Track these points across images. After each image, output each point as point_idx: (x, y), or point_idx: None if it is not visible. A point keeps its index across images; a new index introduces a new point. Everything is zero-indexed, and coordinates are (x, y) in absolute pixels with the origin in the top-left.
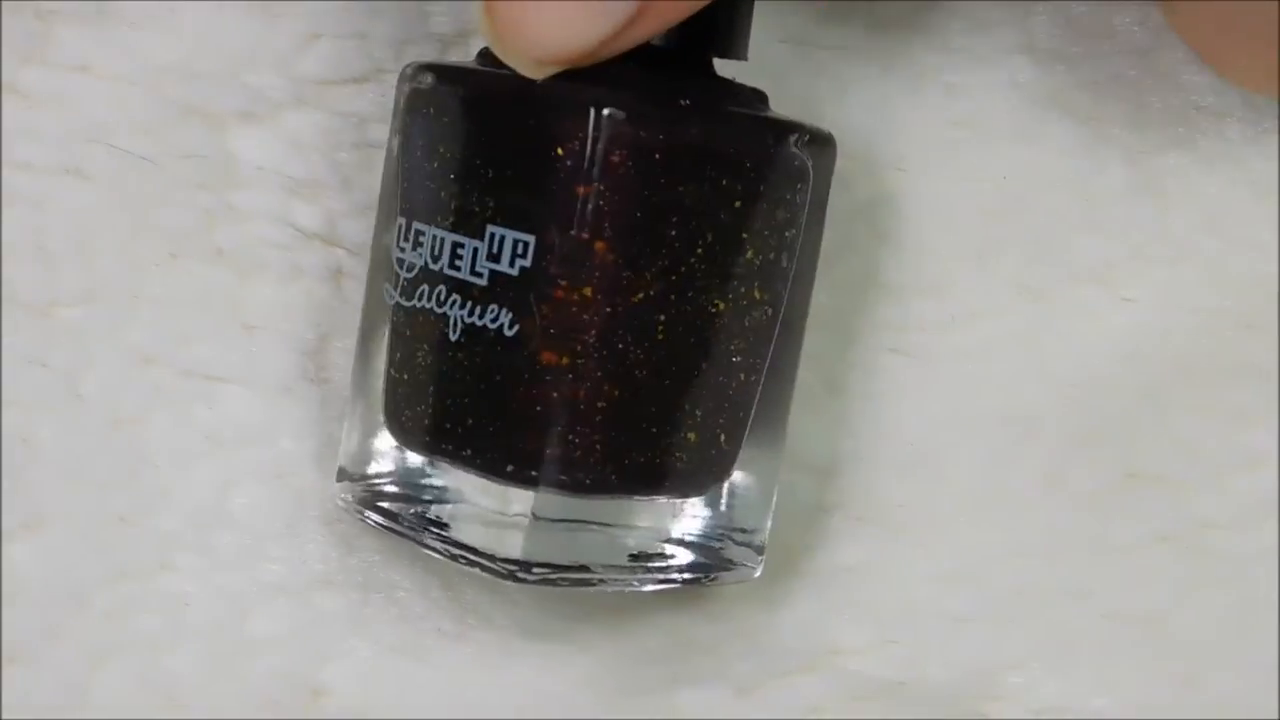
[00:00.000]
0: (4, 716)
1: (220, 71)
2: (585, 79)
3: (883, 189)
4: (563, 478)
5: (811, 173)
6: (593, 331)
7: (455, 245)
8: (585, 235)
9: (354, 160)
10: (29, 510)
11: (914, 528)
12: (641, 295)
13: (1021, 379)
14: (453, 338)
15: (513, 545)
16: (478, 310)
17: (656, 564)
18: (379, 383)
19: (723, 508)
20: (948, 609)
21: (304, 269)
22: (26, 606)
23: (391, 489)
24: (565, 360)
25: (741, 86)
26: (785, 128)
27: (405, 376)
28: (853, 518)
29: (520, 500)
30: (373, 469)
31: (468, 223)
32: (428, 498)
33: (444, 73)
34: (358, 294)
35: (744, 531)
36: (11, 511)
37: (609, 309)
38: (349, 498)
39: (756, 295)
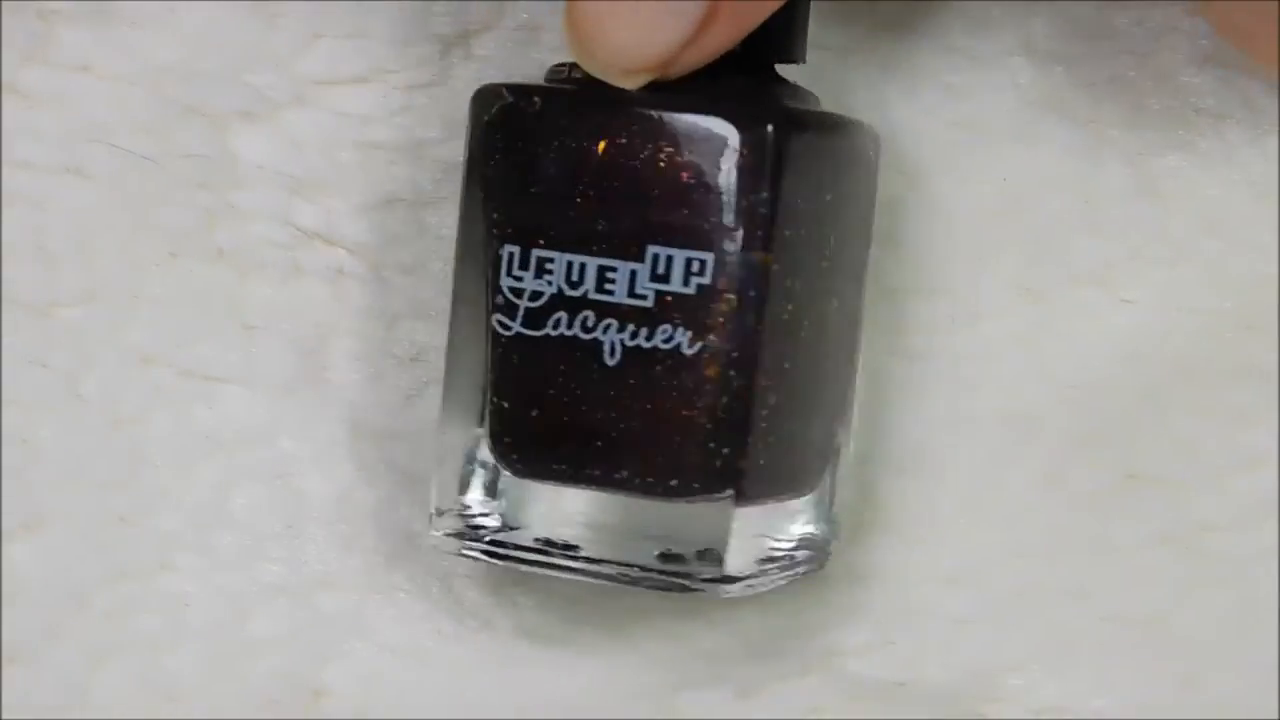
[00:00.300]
0: (4, 716)
1: (221, 71)
2: (686, 89)
3: (882, 191)
4: (754, 489)
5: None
6: (767, 343)
7: (604, 269)
8: (759, 248)
9: (355, 160)
10: (29, 510)
11: (914, 529)
12: (793, 305)
13: (1021, 380)
14: (610, 362)
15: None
16: (644, 332)
17: (784, 561)
18: (481, 420)
19: (826, 499)
20: (947, 610)
21: (304, 268)
22: (26, 606)
23: (509, 524)
24: (748, 375)
25: (802, 88)
26: (862, 126)
27: (534, 411)
28: (853, 519)
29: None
30: (483, 505)
31: (619, 245)
32: (560, 526)
33: (551, 95)
34: (358, 294)
35: (836, 521)
36: (11, 511)
37: (779, 319)
38: (458, 539)
39: (852, 290)
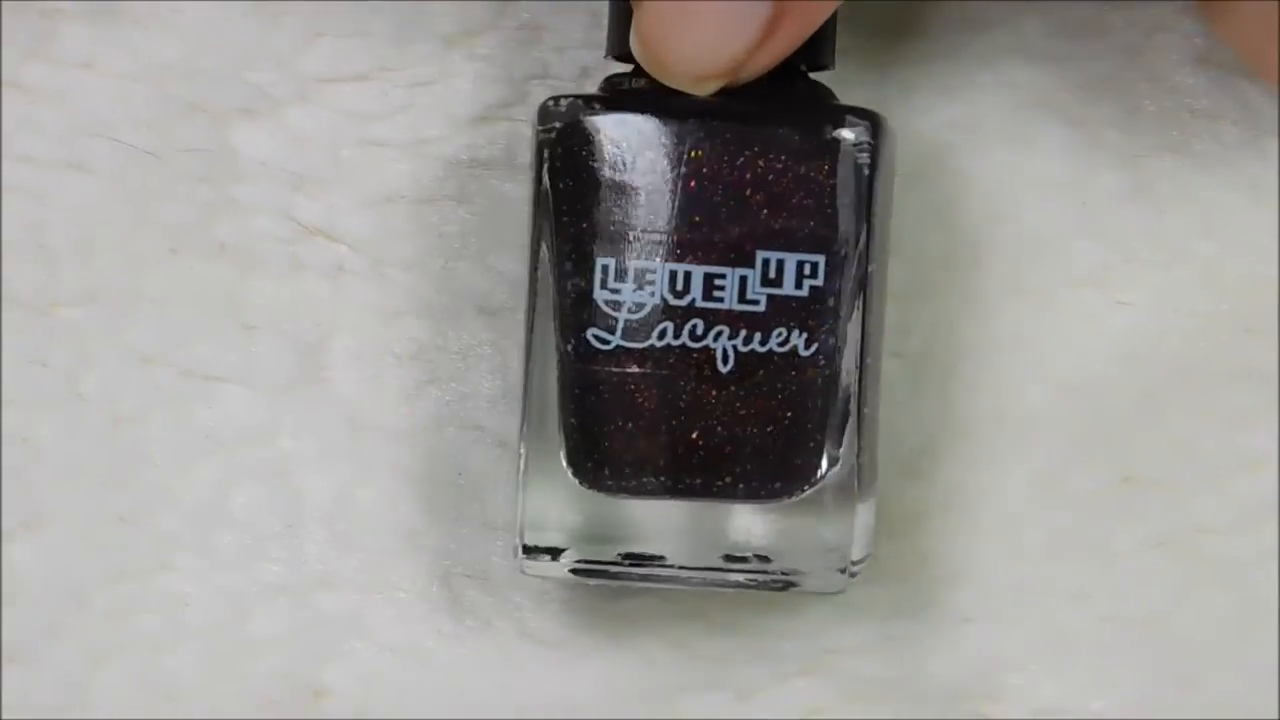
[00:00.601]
0: (4, 716)
1: (223, 69)
2: (748, 97)
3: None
4: (866, 486)
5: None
6: (864, 340)
7: (710, 276)
8: (864, 247)
9: (357, 157)
10: (29, 510)
11: (912, 529)
12: (879, 302)
13: (1019, 382)
14: (723, 369)
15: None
16: (758, 336)
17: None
18: (564, 440)
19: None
20: (947, 610)
21: (305, 264)
22: (26, 606)
23: (592, 542)
24: (857, 372)
25: (827, 88)
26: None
27: (628, 425)
28: None
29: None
30: (564, 526)
31: (725, 252)
32: (644, 539)
33: (631, 105)
34: (359, 290)
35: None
36: (11, 511)
37: (878, 317)
38: (541, 561)
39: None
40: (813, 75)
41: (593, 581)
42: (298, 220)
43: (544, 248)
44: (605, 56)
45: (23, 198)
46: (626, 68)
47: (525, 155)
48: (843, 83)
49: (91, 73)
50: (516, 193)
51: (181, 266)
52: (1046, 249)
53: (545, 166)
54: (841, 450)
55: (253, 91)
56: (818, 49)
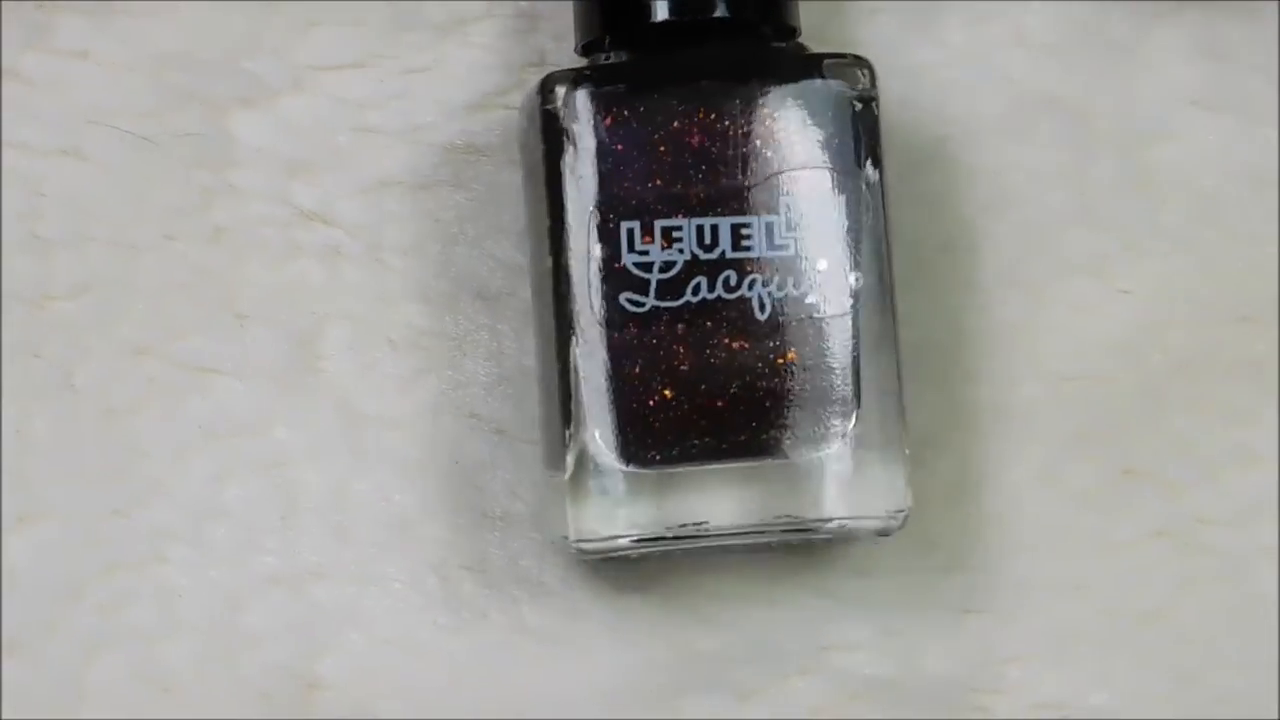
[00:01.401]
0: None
1: (219, 58)
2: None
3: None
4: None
5: None
6: (890, 277)
7: (737, 226)
8: (875, 181)
9: (352, 144)
10: (23, 502)
11: (911, 523)
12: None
13: (1018, 373)
14: (761, 317)
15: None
16: (790, 280)
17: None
18: (595, 420)
19: None
20: (946, 604)
21: (301, 249)
22: (20, 599)
23: (639, 518)
24: (890, 302)
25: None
26: None
27: (667, 391)
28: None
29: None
30: (607, 505)
31: (748, 202)
32: (689, 506)
33: (632, 74)
34: (354, 276)
35: None
36: (5, 504)
37: (892, 254)
38: (592, 545)
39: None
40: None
41: (653, 549)
42: (294, 206)
43: (566, 220)
44: (575, 50)
45: (17, 187)
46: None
47: (519, 143)
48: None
49: (88, 62)
50: (512, 179)
51: (176, 255)
52: (1046, 239)
53: (553, 140)
54: (881, 391)
55: (249, 80)
56: (788, 16)
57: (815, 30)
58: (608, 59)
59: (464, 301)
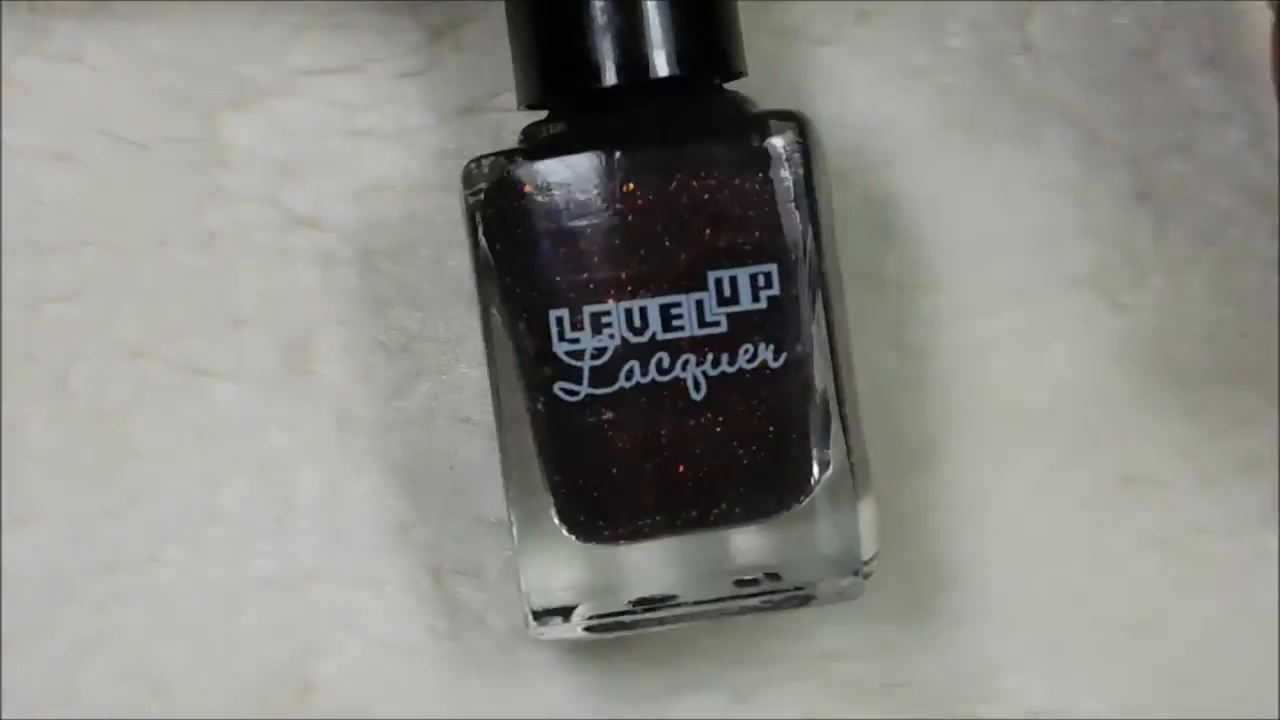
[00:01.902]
0: None
1: (211, 62)
2: (659, 118)
3: (880, 190)
4: (862, 484)
5: None
6: (832, 339)
7: (666, 307)
8: (815, 249)
9: (344, 148)
10: (18, 503)
11: (908, 529)
12: (840, 301)
13: (1017, 382)
14: (696, 397)
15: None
16: (725, 357)
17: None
18: (550, 498)
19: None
20: (942, 611)
21: (294, 255)
22: (15, 599)
23: (600, 593)
24: (832, 373)
25: (740, 93)
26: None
27: (613, 471)
28: None
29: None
30: (569, 584)
31: (675, 280)
32: (651, 580)
33: (556, 148)
34: (347, 281)
35: None
36: (1, 505)
37: (841, 316)
38: (553, 623)
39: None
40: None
41: (610, 635)
42: (286, 211)
43: (494, 311)
44: (518, 107)
45: (11, 191)
46: (541, 115)
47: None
48: (843, 80)
49: (81, 66)
50: None
51: (170, 259)
52: (1048, 249)
53: (480, 229)
54: (830, 453)
55: (241, 83)
56: (727, 58)
57: (806, 30)
58: (540, 131)
59: (457, 305)
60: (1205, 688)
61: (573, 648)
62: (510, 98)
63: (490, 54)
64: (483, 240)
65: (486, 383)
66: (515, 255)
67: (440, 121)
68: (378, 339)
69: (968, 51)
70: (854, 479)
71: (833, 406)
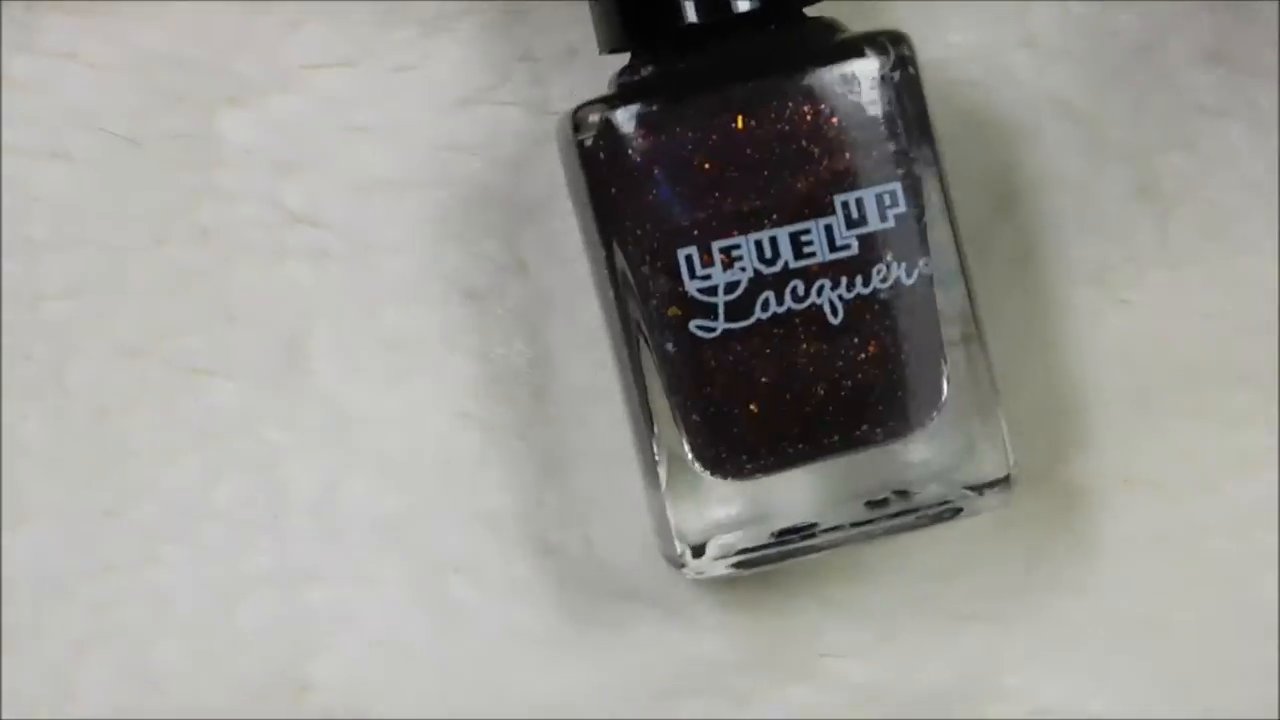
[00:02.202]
0: None
1: (207, 58)
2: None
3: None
4: (988, 398)
5: None
6: (960, 254)
7: (796, 235)
8: (934, 163)
9: (340, 143)
10: (15, 503)
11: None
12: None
13: (1018, 379)
14: (835, 321)
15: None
16: (859, 279)
17: None
18: (686, 440)
19: None
20: (945, 611)
21: (289, 251)
22: (13, 599)
23: (744, 528)
24: (961, 286)
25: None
26: None
27: (756, 404)
28: None
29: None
30: (711, 523)
31: (802, 206)
32: (791, 510)
33: (654, 94)
34: (343, 276)
35: None
36: None
37: (959, 230)
38: (705, 562)
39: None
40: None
41: (755, 570)
42: (281, 206)
43: (618, 255)
44: (601, 53)
45: (7, 189)
46: (622, 59)
47: (508, 140)
48: None
49: (75, 63)
50: (500, 177)
51: (166, 256)
52: (1049, 245)
53: (595, 174)
54: (965, 365)
55: (236, 79)
56: None
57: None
58: (634, 73)
59: (453, 301)
60: (1208, 686)
61: (570, 648)
62: (506, 91)
63: (485, 46)
64: (598, 185)
65: (482, 377)
66: (634, 198)
67: (436, 116)
68: (373, 335)
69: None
70: (992, 390)
71: (969, 317)
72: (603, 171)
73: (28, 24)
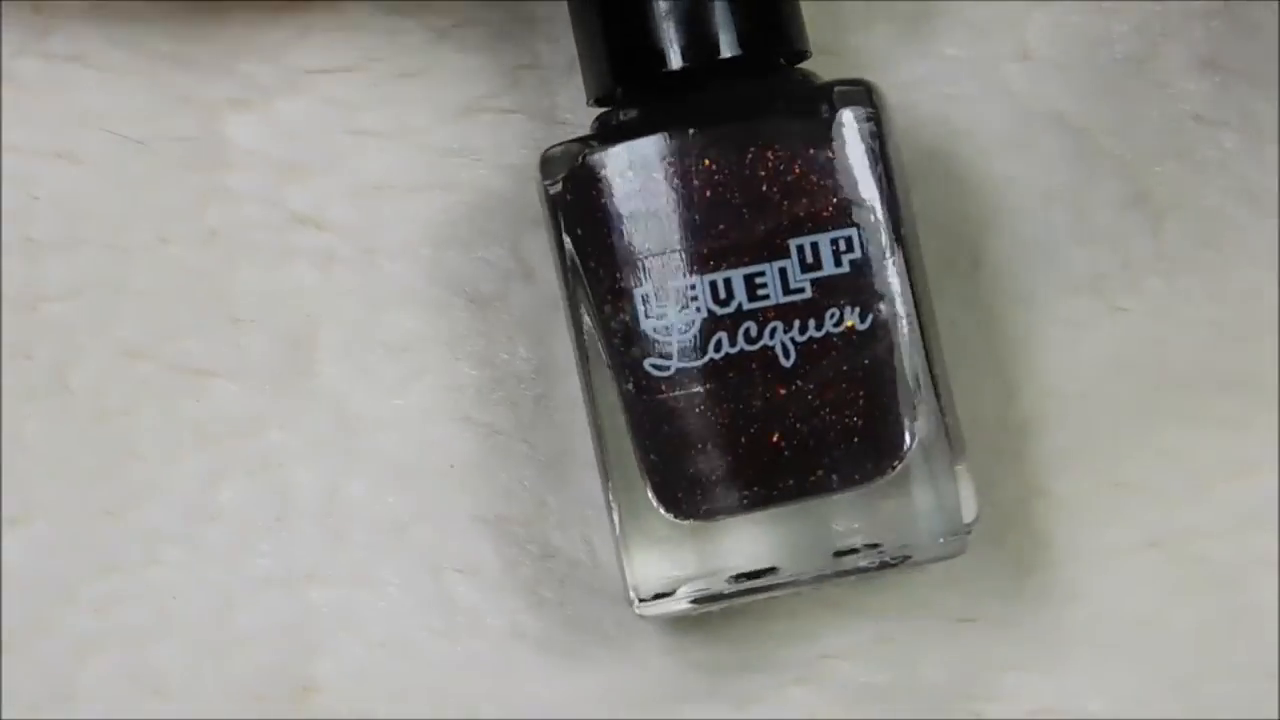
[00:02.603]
0: None
1: (213, 60)
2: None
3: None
4: (957, 445)
5: None
6: (917, 300)
7: (750, 277)
8: (893, 210)
9: (346, 147)
10: (16, 504)
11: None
12: (918, 258)
13: (1013, 386)
14: (786, 364)
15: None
16: (813, 323)
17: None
18: (646, 480)
19: None
20: (942, 612)
21: (295, 254)
22: (13, 600)
23: (702, 573)
24: (919, 332)
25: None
26: None
27: (709, 444)
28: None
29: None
30: (671, 565)
31: (758, 249)
32: (751, 554)
33: (624, 137)
34: (348, 280)
35: None
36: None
37: (917, 275)
38: (660, 603)
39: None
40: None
41: (714, 607)
42: (287, 210)
43: (580, 294)
44: (588, 103)
45: (11, 190)
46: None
47: (514, 146)
48: None
49: (82, 65)
50: (504, 182)
51: (170, 258)
52: (1045, 254)
53: (562, 215)
54: (922, 414)
55: (243, 82)
56: (791, 39)
57: (813, 44)
58: (608, 119)
59: (457, 305)
60: (1205, 687)
61: (571, 652)
62: (511, 99)
63: (492, 53)
64: (564, 225)
65: (486, 382)
66: (596, 239)
67: (441, 121)
68: (377, 338)
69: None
70: (949, 440)
71: (923, 365)
72: (568, 214)
73: (33, 25)
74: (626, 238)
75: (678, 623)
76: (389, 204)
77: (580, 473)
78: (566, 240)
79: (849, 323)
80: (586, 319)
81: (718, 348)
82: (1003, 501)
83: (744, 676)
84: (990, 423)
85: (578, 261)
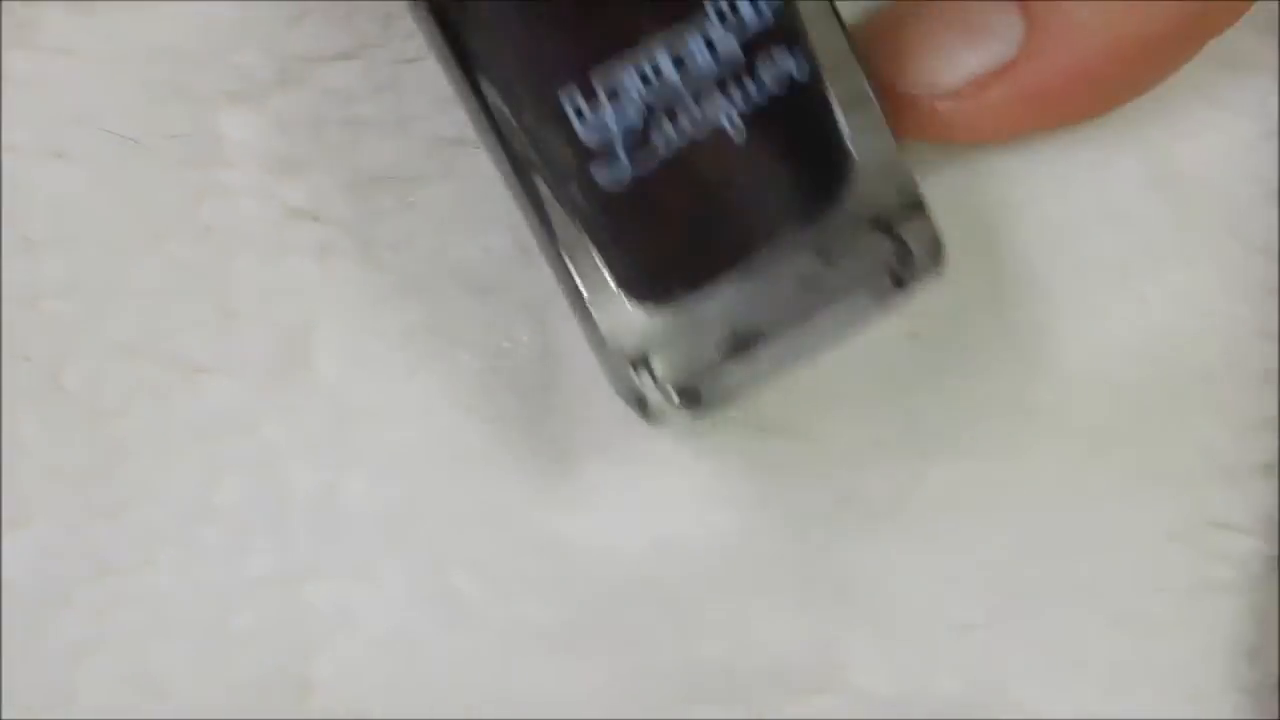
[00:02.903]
0: None
1: (206, 52)
2: None
3: None
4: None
5: None
6: (843, 29)
7: (676, 58)
8: None
9: (342, 137)
10: (12, 505)
11: (919, 529)
12: None
13: (1032, 376)
14: (740, 141)
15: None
16: (752, 87)
17: None
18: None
19: None
20: (958, 615)
21: (291, 247)
22: (11, 602)
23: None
24: (854, 71)
25: None
26: None
27: (671, 230)
28: (862, 514)
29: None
30: (660, 354)
31: (675, 23)
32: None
33: None
34: (345, 272)
35: None
36: None
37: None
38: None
39: None
40: None
41: (715, 407)
42: (283, 202)
43: (496, 113)
44: None
45: (4, 188)
46: None
47: None
48: None
49: (73, 59)
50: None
51: (165, 254)
52: (1066, 241)
53: (451, 32)
54: (872, 134)
55: (237, 73)
56: None
57: None
58: None
59: (456, 295)
60: (1221, 688)
61: (573, 644)
62: None
63: None
64: (461, 41)
65: (486, 374)
66: (497, 48)
67: (438, 108)
68: (376, 331)
69: None
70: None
71: (868, 87)
72: (459, 26)
73: (23, 19)
74: (529, 47)
75: (685, 624)
76: (386, 194)
77: (585, 461)
78: (466, 54)
79: (787, 73)
80: (515, 143)
81: (666, 143)
82: (1019, 491)
83: (756, 685)
84: (1007, 410)
85: (488, 74)
